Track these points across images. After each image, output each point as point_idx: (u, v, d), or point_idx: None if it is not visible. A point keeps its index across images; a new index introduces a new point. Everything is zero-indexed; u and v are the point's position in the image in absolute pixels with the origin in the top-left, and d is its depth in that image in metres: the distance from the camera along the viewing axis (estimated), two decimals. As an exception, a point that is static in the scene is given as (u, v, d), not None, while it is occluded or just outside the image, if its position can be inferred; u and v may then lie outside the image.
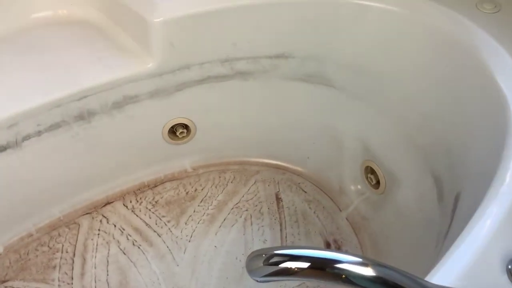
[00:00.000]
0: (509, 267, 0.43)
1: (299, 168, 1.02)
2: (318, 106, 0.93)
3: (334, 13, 0.79)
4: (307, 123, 0.96)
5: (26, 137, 0.79)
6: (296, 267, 0.40)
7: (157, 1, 0.80)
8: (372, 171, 0.88)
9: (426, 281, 0.38)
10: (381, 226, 0.87)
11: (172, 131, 0.97)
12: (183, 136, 0.98)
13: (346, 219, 0.92)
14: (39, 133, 0.80)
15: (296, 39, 0.83)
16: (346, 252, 0.41)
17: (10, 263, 0.87)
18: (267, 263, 0.40)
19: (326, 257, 0.40)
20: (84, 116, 0.83)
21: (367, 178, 0.90)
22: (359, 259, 0.40)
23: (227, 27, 0.81)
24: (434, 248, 0.64)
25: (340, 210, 0.94)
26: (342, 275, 0.40)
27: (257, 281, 0.41)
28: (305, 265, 0.40)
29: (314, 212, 0.94)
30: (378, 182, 0.87)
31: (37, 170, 0.85)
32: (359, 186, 0.93)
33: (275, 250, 0.41)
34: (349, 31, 0.79)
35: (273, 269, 0.40)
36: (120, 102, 0.85)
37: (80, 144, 0.86)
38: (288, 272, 0.40)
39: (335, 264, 0.40)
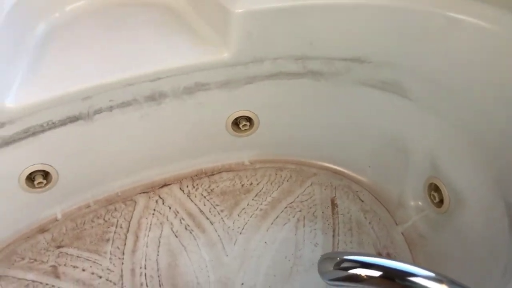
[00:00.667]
0: None
1: (358, 176, 1.00)
2: (387, 115, 0.90)
3: (423, 24, 0.76)
4: (374, 132, 0.94)
5: (98, 111, 0.82)
6: (366, 275, 0.39)
7: (240, -8, 0.80)
8: (436, 189, 0.85)
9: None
10: (439, 246, 0.83)
11: (236, 122, 0.97)
12: (246, 129, 0.98)
13: (402, 234, 0.90)
14: (110, 108, 0.83)
15: (376, 44, 0.81)
16: (420, 266, 0.39)
17: (66, 230, 0.90)
18: (338, 267, 0.39)
19: (400, 269, 0.39)
20: (155, 97, 0.84)
21: (430, 195, 0.87)
22: (433, 274, 0.39)
23: (307, 24, 0.81)
24: (500, 278, 0.61)
25: (397, 224, 0.91)
26: (413, 289, 0.38)
27: (327, 283, 0.40)
28: (376, 273, 0.39)
29: (370, 223, 0.92)
30: (441, 201, 0.84)
31: (103, 144, 0.87)
32: (420, 203, 0.90)
33: (346, 256, 0.40)
34: (436, 43, 0.76)
35: (342, 274, 0.39)
36: (191, 88, 0.86)
37: (147, 124, 0.88)
38: (357, 279, 0.39)
39: (408, 276, 0.38)
